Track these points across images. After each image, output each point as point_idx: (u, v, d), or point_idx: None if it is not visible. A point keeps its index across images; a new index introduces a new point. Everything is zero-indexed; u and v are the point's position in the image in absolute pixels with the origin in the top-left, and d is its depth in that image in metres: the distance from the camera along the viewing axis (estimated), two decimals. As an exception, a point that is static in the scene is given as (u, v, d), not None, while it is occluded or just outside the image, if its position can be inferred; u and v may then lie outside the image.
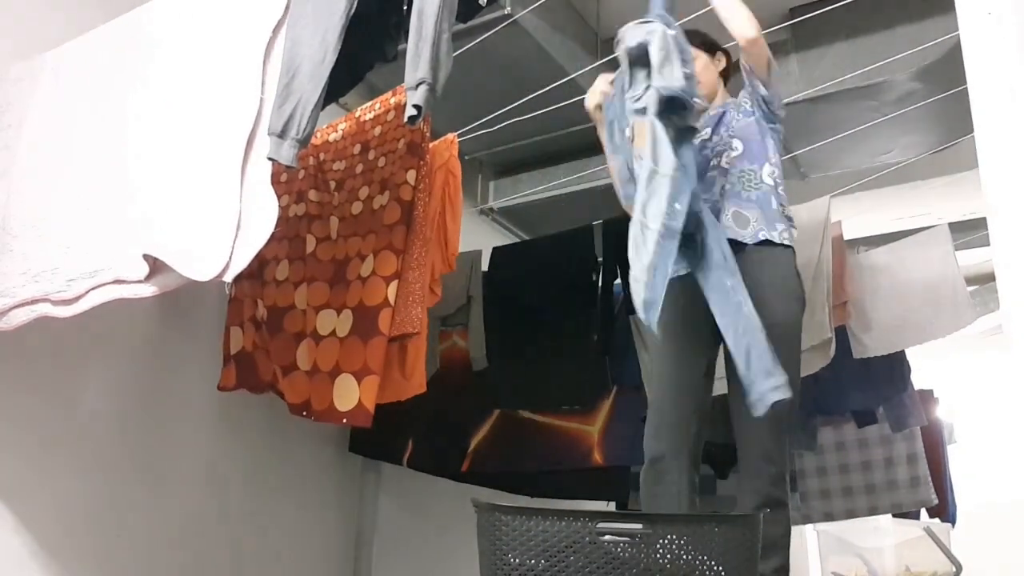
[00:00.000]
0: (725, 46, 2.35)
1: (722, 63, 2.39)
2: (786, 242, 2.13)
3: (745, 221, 2.13)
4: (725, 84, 2.40)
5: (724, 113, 2.30)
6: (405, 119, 1.71)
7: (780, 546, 1.99)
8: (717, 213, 2.14)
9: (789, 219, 2.19)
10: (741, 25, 2.08)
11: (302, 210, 2.60)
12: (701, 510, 2.19)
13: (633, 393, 3.05)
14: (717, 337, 2.10)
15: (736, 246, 2.03)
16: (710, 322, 2.08)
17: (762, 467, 2.00)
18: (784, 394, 1.79)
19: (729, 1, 2.11)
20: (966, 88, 1.33)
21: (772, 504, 1.97)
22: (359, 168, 2.53)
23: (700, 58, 2.33)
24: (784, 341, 2.01)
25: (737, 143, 2.21)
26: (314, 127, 1.76)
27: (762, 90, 2.19)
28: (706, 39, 2.38)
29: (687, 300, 2.13)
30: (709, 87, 2.33)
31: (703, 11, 2.46)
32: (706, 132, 2.30)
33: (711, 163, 2.22)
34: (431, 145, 2.46)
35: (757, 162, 2.18)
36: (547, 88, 2.93)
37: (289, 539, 3.17)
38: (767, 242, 2.11)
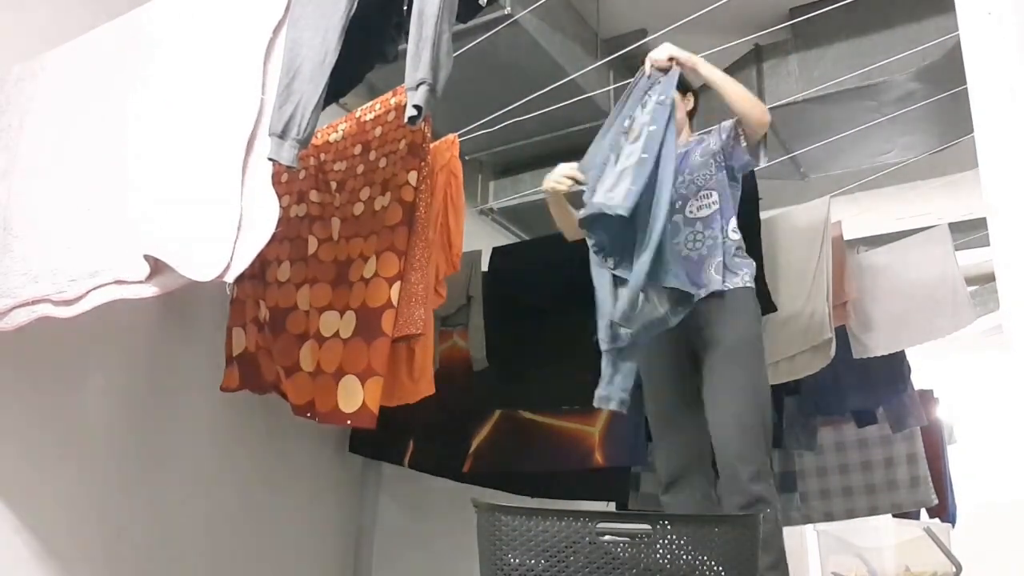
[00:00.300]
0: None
1: (691, 103, 2.44)
2: (748, 284, 2.25)
3: (722, 269, 2.23)
4: (691, 121, 2.46)
5: (687, 154, 2.36)
6: (405, 120, 1.71)
7: (772, 544, 2.02)
8: (691, 260, 2.24)
9: (748, 258, 2.30)
10: (757, 110, 2.22)
11: (303, 211, 2.60)
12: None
13: (634, 393, 3.05)
14: (697, 367, 2.24)
15: (706, 295, 2.19)
16: (689, 347, 2.23)
17: (737, 468, 2.07)
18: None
19: (738, 87, 2.23)
20: (966, 88, 1.33)
21: (756, 502, 2.03)
22: (360, 169, 2.53)
23: None
24: (746, 355, 2.17)
25: (715, 196, 2.29)
26: (315, 128, 1.76)
27: (743, 157, 2.29)
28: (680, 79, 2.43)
29: (667, 336, 2.23)
30: (677, 126, 2.38)
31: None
32: None
33: (675, 205, 2.28)
34: (432, 146, 2.46)
35: (726, 216, 2.28)
36: (547, 88, 2.93)
37: (289, 539, 3.17)
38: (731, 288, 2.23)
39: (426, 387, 2.33)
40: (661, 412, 2.32)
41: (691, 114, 2.46)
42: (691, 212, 2.29)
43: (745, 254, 2.29)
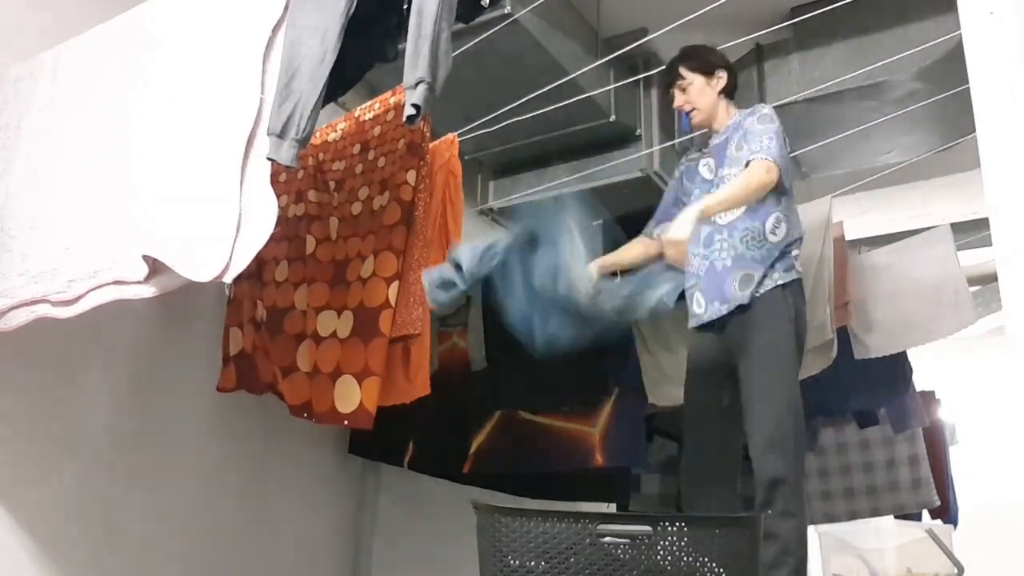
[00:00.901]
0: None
1: (722, 81, 2.34)
2: (781, 282, 2.16)
3: (749, 281, 2.16)
4: (731, 97, 2.37)
5: (725, 143, 2.28)
6: (404, 119, 1.71)
7: (790, 554, 1.99)
8: (715, 270, 2.20)
9: (789, 249, 2.20)
10: (760, 191, 2.11)
11: (301, 210, 2.59)
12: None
13: (634, 394, 3.04)
14: (733, 376, 2.20)
15: (738, 307, 2.15)
16: (724, 363, 2.20)
17: (763, 482, 2.04)
18: None
19: (733, 194, 2.11)
20: (967, 88, 1.33)
21: (778, 515, 2.00)
22: (359, 168, 2.53)
23: (695, 82, 2.32)
24: (772, 364, 2.11)
25: None
26: (314, 127, 1.75)
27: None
28: (702, 59, 2.35)
29: (704, 346, 2.25)
30: (706, 111, 2.33)
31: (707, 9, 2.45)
32: (710, 164, 2.31)
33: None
34: (431, 145, 2.46)
35: (759, 219, 2.19)
36: (547, 88, 2.92)
37: (289, 540, 3.17)
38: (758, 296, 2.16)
39: (422, 387, 2.32)
40: (694, 412, 2.29)
41: (728, 92, 2.36)
42: (719, 217, 2.21)
43: (789, 250, 2.20)
